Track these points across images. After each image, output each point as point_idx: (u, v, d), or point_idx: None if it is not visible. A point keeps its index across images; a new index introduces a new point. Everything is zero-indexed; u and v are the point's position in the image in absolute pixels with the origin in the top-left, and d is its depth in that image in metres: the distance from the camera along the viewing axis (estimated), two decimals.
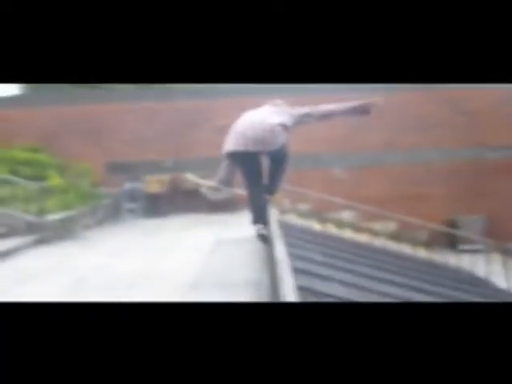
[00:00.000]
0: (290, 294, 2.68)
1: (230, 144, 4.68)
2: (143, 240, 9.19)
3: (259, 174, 4.79)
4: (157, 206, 12.52)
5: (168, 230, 10.29)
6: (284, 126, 4.66)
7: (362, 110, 4.83)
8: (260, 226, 4.76)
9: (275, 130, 4.58)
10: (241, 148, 4.59)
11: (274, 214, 5.40)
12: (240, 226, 9.68)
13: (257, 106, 5.08)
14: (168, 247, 8.19)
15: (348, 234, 10.69)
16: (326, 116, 4.86)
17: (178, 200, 12.44)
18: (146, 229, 10.66)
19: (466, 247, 11.46)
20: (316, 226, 10.32)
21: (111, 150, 13.28)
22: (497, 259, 10.17)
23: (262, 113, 4.80)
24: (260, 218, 4.78)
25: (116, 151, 13.28)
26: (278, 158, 4.88)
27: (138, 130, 13.35)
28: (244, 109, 5.04)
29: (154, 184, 12.75)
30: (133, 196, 12.50)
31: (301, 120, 4.83)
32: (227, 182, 5.13)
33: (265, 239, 4.90)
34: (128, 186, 12.68)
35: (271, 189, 5.04)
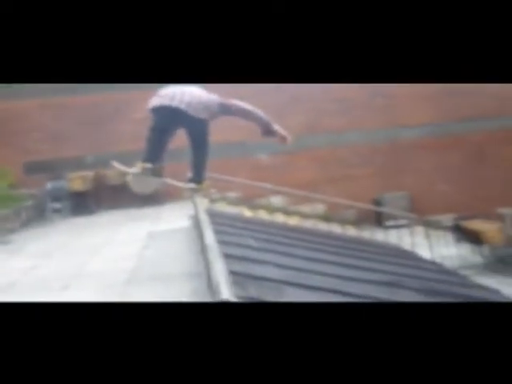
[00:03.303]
0: (221, 279, 2.70)
1: (164, 99, 4.74)
2: (73, 239, 8.90)
3: (166, 137, 4.86)
4: (83, 203, 12.10)
5: (98, 228, 10.03)
6: (216, 102, 4.91)
7: (271, 133, 5.23)
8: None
9: (210, 98, 4.90)
10: (175, 104, 4.68)
11: (202, 203, 5.40)
12: (171, 218, 9.64)
13: None
14: (99, 245, 7.97)
15: (279, 218, 10.86)
16: (244, 115, 5.31)
17: (105, 196, 12.14)
18: (74, 228, 10.33)
19: (392, 223, 11.97)
20: (247, 213, 10.42)
21: (27, 149, 12.56)
22: (420, 232, 10.74)
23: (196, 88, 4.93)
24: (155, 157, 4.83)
25: (32, 150, 12.58)
26: (200, 139, 4.93)
27: (52, 126, 12.66)
28: None
29: (77, 181, 12.28)
30: (57, 195, 12.01)
31: (223, 107, 5.04)
32: (156, 159, 4.90)
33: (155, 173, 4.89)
34: (50, 185, 12.18)
35: (198, 178, 5.05)
